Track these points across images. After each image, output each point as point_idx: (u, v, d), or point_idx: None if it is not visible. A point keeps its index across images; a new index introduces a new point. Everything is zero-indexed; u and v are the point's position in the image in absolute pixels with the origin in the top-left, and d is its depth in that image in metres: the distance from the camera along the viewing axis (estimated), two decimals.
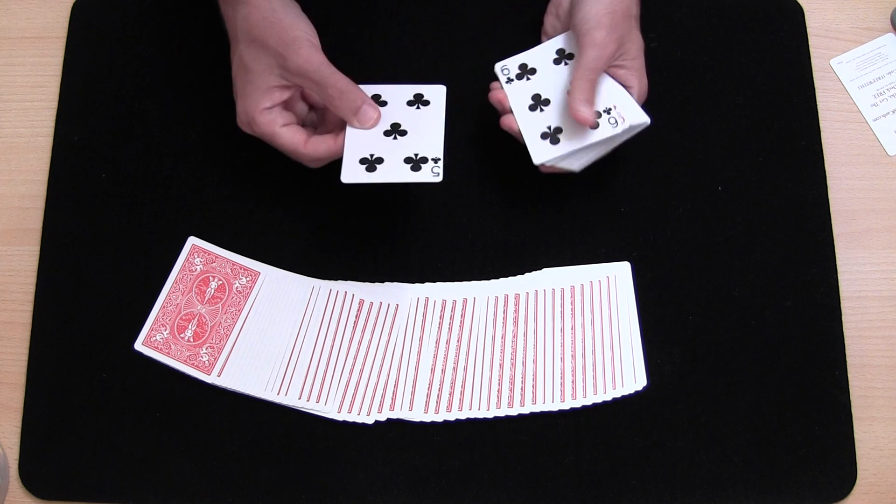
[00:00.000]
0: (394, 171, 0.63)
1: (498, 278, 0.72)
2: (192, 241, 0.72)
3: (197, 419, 0.68)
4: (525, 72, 0.69)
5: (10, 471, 0.68)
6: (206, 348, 0.69)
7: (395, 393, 0.69)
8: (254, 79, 0.64)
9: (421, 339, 0.70)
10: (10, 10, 0.79)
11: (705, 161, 0.74)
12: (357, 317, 0.71)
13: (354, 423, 0.68)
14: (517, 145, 0.68)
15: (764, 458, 0.67)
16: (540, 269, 0.72)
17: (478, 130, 0.74)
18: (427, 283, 0.71)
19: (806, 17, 0.78)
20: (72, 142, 0.75)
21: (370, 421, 0.68)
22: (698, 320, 0.70)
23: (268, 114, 0.65)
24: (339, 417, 0.68)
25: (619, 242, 0.72)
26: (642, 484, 0.67)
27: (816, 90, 0.76)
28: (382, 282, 0.71)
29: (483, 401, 0.68)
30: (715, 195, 0.73)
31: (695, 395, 0.69)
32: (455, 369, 0.69)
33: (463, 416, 0.68)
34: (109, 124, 0.75)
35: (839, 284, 0.71)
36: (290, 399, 0.68)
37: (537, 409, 0.68)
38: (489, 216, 0.73)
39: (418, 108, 0.66)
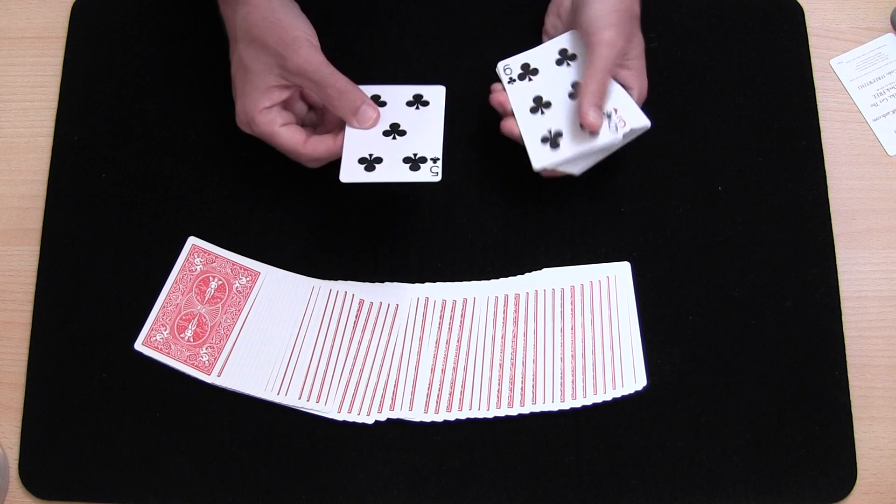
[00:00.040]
0: (393, 171, 0.63)
1: (498, 278, 0.72)
2: (192, 241, 0.72)
3: (197, 419, 0.68)
4: (527, 72, 0.69)
5: (10, 471, 0.68)
6: (206, 348, 0.69)
7: (395, 393, 0.69)
8: (253, 78, 0.64)
9: (421, 339, 0.70)
10: (10, 10, 0.79)
11: (705, 161, 0.74)
12: (357, 317, 0.71)
13: (354, 423, 0.68)
14: (517, 146, 0.68)
15: (764, 458, 0.67)
16: (540, 269, 0.72)
17: (478, 131, 0.74)
18: (427, 283, 0.71)
19: (806, 17, 0.78)
20: (72, 142, 0.75)
21: (370, 421, 0.68)
22: (698, 320, 0.70)
23: (267, 113, 0.65)
24: (339, 417, 0.68)
25: (619, 242, 0.72)
26: (642, 484, 0.67)
27: (816, 90, 0.76)
28: (382, 282, 0.71)
29: (483, 401, 0.68)
30: (715, 195, 0.73)
31: (695, 395, 0.69)
32: (455, 369, 0.69)
33: (463, 416, 0.68)
34: (109, 124, 0.75)
35: (839, 284, 0.71)
36: (290, 399, 0.68)
37: (537, 409, 0.68)
38: (489, 216, 0.73)
39: (418, 108, 0.66)
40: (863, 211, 0.74)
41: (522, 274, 0.72)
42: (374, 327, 0.70)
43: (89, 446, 0.68)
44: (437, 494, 0.67)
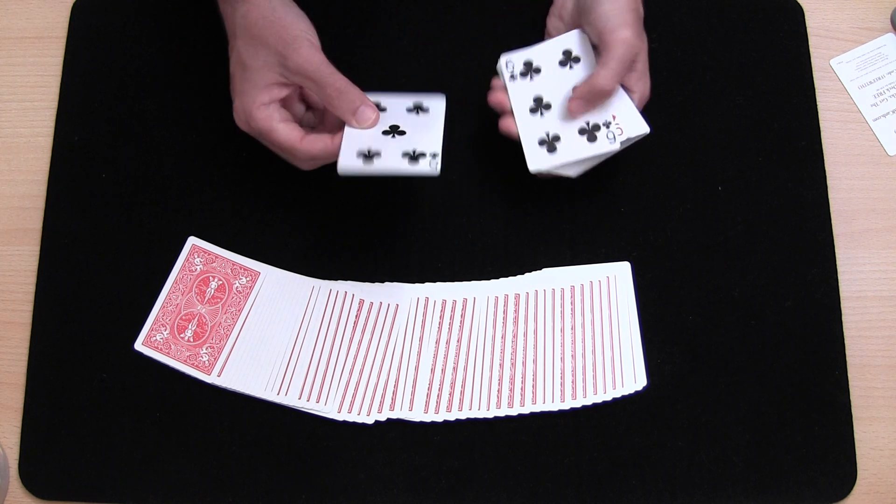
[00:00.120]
0: (391, 163, 0.63)
1: (498, 278, 0.72)
2: (192, 241, 0.72)
3: (197, 419, 0.68)
4: (529, 70, 0.69)
5: (10, 471, 0.68)
6: (206, 348, 0.69)
7: (395, 393, 0.69)
8: (252, 76, 0.64)
9: (421, 339, 0.70)
10: (10, 10, 0.79)
11: (705, 161, 0.74)
12: (357, 317, 0.71)
13: (354, 423, 0.68)
14: (517, 146, 0.68)
15: (764, 458, 0.67)
16: (540, 269, 0.72)
17: (478, 131, 0.74)
18: (427, 283, 0.71)
19: (806, 17, 0.78)
20: (72, 142, 0.75)
21: (370, 421, 0.68)
22: (698, 320, 0.70)
23: (265, 109, 0.64)
24: (339, 417, 0.68)
25: (619, 242, 0.72)
26: (642, 484, 0.67)
27: (816, 90, 0.76)
28: (382, 282, 0.71)
29: (483, 401, 0.68)
30: (715, 195, 0.73)
31: (695, 395, 0.69)
32: (455, 369, 0.69)
33: (463, 416, 0.68)
34: (109, 124, 0.75)
35: (839, 284, 0.71)
36: (290, 399, 0.68)
37: (537, 409, 0.68)
38: (489, 216, 0.73)
39: (418, 113, 0.66)
40: (863, 211, 0.74)
41: (522, 274, 0.72)
42: (374, 327, 0.70)
43: (89, 446, 0.68)
44: (437, 494, 0.67)
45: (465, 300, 0.71)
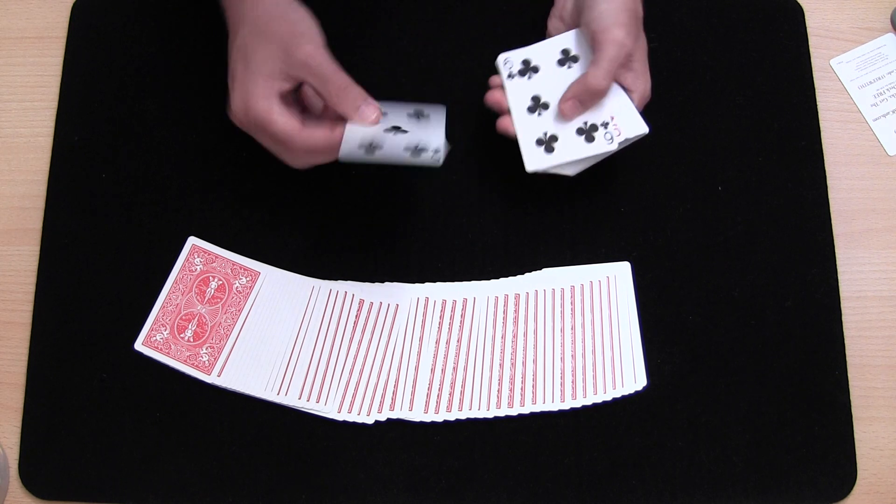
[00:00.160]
0: (393, 154, 0.63)
1: (498, 278, 0.72)
2: (192, 241, 0.72)
3: (197, 419, 0.68)
4: (528, 69, 0.69)
5: (10, 471, 0.68)
6: (206, 348, 0.69)
7: (395, 393, 0.69)
8: (255, 67, 0.63)
9: (421, 339, 0.70)
10: (10, 10, 0.79)
11: (705, 161, 0.74)
12: (357, 317, 0.71)
13: (354, 423, 0.68)
14: (517, 145, 0.68)
15: (764, 458, 0.67)
16: (540, 269, 0.72)
17: (477, 131, 0.74)
18: (427, 283, 0.71)
19: (806, 17, 0.78)
20: (72, 142, 0.75)
21: (370, 421, 0.68)
22: (698, 320, 0.70)
23: (265, 99, 0.63)
24: (339, 417, 0.68)
25: (619, 242, 0.72)
26: (642, 484, 0.67)
27: (816, 90, 0.76)
28: (382, 282, 0.71)
29: (483, 401, 0.68)
30: (715, 195, 0.73)
31: (695, 395, 0.69)
32: (455, 369, 0.69)
33: (463, 416, 0.68)
34: (109, 124, 0.75)
35: (839, 284, 0.71)
36: (290, 399, 0.68)
37: (537, 409, 0.68)
38: (489, 216, 0.73)
39: (419, 119, 0.66)
40: (863, 211, 0.74)
41: (522, 274, 0.72)
42: (374, 327, 0.70)
43: (89, 446, 0.68)
44: (437, 494, 0.67)
45: (465, 300, 0.71)
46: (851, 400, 0.69)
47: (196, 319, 0.70)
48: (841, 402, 0.69)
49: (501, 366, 0.69)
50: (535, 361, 0.69)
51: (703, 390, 0.69)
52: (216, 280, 0.71)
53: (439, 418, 0.68)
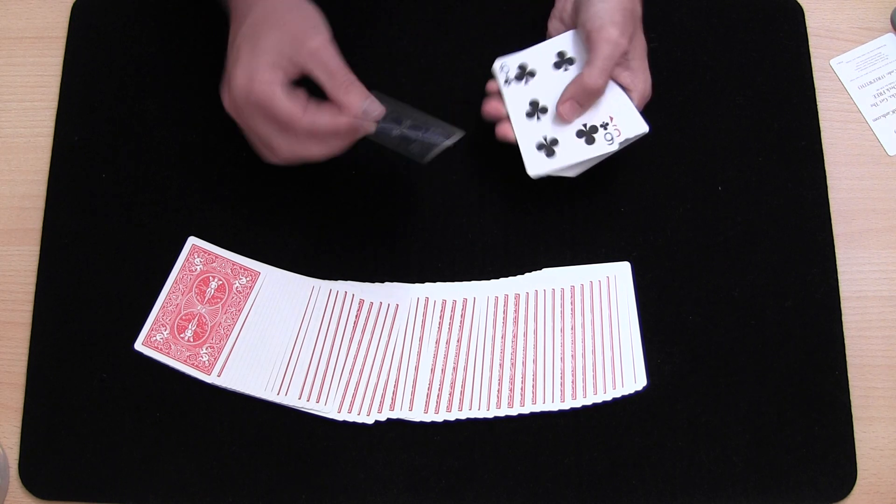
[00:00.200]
0: (397, 144, 0.63)
1: (498, 278, 0.72)
2: (192, 241, 0.72)
3: (197, 419, 0.68)
4: (524, 73, 0.69)
5: (10, 471, 0.68)
6: (206, 348, 0.69)
7: (395, 393, 0.69)
8: (262, 50, 0.61)
9: (421, 339, 0.70)
10: (10, 10, 0.79)
11: (705, 161, 0.74)
12: (357, 317, 0.71)
13: (354, 423, 0.68)
14: (517, 148, 0.68)
15: (764, 458, 0.67)
16: (540, 269, 0.72)
17: (477, 131, 0.74)
18: (427, 283, 0.71)
19: (806, 17, 0.78)
20: (72, 142, 0.75)
21: (370, 421, 0.68)
22: (698, 320, 0.70)
23: (270, 80, 0.61)
24: (339, 417, 0.68)
25: (619, 242, 0.72)
26: (642, 484, 0.67)
27: (816, 90, 0.76)
28: (382, 282, 0.71)
29: (483, 401, 0.68)
30: (715, 195, 0.73)
31: (695, 395, 0.69)
32: (455, 369, 0.69)
33: (463, 416, 0.68)
34: (109, 124, 0.75)
35: (839, 284, 0.71)
36: (290, 399, 0.68)
37: (537, 409, 0.68)
38: (489, 216, 0.73)
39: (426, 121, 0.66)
40: (863, 211, 0.74)
41: (522, 274, 0.72)
42: (374, 327, 0.70)
43: (89, 446, 0.68)
44: (437, 494, 0.67)
45: (465, 300, 0.71)
46: (851, 400, 0.69)
47: (196, 319, 0.70)
48: (841, 402, 0.69)
49: (501, 366, 0.69)
50: (535, 361, 0.69)
51: (703, 390, 0.69)
52: (216, 280, 0.71)
53: (439, 418, 0.68)
